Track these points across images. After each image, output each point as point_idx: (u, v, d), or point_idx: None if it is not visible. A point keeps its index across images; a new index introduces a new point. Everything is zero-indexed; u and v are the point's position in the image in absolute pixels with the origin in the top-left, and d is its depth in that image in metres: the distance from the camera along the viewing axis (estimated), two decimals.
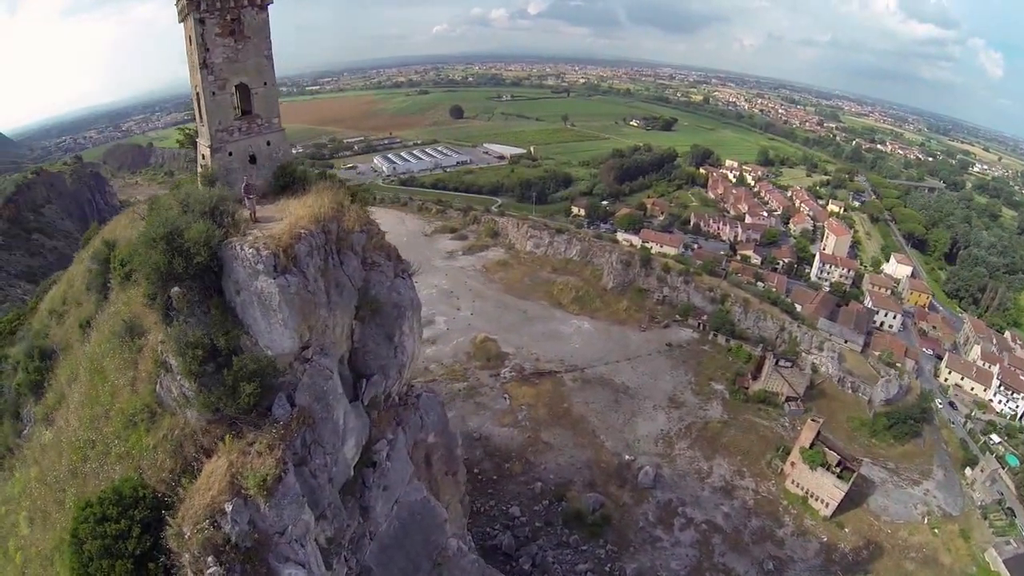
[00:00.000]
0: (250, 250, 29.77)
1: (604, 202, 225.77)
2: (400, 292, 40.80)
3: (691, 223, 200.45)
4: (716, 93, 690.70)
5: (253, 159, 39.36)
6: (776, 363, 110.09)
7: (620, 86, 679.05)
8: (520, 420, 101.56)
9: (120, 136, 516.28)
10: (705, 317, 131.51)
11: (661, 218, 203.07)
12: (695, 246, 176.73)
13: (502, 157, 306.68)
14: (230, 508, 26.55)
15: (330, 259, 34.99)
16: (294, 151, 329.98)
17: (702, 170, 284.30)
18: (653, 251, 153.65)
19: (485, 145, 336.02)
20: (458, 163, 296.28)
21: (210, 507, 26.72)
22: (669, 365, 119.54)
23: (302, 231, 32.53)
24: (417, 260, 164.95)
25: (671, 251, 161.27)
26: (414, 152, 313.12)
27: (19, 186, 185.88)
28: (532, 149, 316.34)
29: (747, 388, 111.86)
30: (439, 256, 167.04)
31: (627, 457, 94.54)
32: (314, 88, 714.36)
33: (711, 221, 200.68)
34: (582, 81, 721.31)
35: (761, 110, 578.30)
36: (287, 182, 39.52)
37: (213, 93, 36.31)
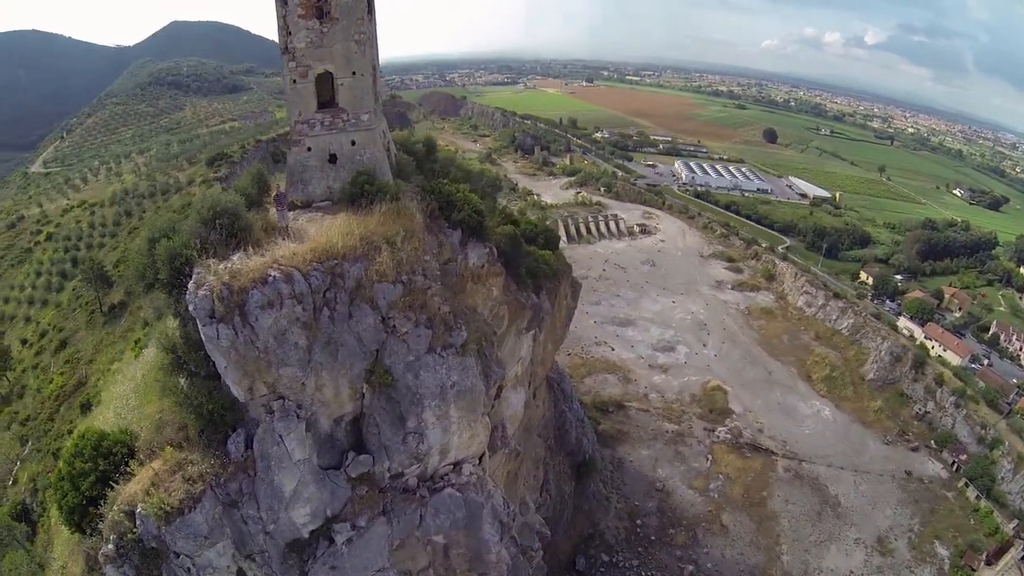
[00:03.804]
0: (191, 286, 26.60)
1: (898, 276, 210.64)
2: (420, 375, 31.69)
3: (990, 332, 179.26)
4: None
5: (333, 158, 35.32)
6: (1023, 557, 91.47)
7: (952, 145, 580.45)
8: (710, 488, 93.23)
9: (442, 84, 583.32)
10: (964, 457, 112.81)
11: (957, 315, 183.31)
12: (985, 362, 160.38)
13: (804, 195, 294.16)
14: (138, 510, 27.30)
15: (328, 309, 29.25)
16: (600, 135, 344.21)
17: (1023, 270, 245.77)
18: (932, 353, 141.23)
19: (790, 178, 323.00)
20: (758, 190, 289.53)
21: (131, 497, 27.86)
22: (897, 498, 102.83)
23: (274, 273, 27.25)
24: (684, 281, 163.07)
25: (954, 359, 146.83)
26: (716, 166, 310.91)
27: None
28: (838, 195, 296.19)
29: (975, 569, 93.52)
30: (707, 283, 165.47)
31: None
32: (634, 78, 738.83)
33: (1015, 338, 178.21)
34: (910, 130, 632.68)
35: None
36: (356, 192, 34.17)
37: (294, 81, 33.38)
